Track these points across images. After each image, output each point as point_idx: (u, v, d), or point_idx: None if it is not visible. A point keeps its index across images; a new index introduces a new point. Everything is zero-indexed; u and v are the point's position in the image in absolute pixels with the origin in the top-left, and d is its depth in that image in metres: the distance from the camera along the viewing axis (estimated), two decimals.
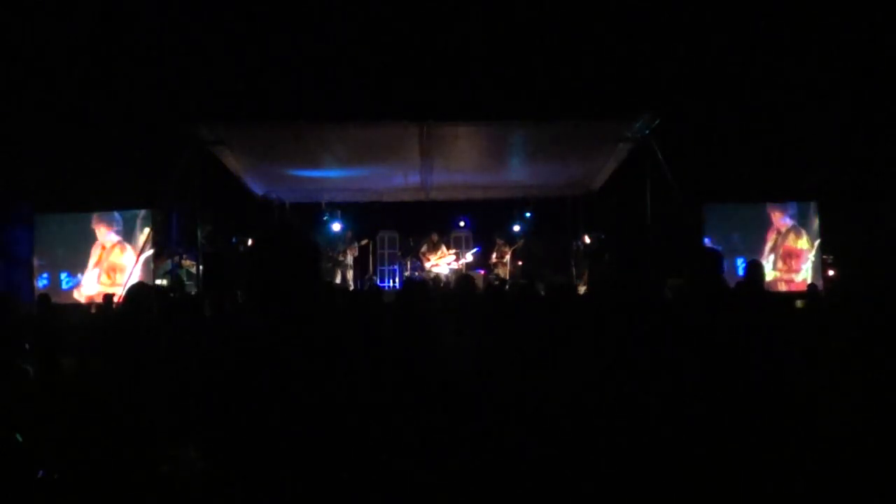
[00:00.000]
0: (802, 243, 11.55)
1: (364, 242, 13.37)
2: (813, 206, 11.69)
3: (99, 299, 10.35)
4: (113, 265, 11.07)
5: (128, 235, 11.15)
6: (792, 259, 11.54)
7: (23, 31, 10.75)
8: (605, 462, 2.82)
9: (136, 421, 3.07)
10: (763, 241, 11.51)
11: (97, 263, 11.13)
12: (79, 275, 11.13)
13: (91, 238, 11.16)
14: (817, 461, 3.03)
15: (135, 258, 10.97)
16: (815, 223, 11.63)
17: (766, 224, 11.63)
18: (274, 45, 11.52)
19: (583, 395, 3.15)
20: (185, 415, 3.67)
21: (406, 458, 1.37)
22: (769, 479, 2.97)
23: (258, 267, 1.49)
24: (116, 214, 11.19)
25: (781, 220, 11.62)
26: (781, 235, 11.58)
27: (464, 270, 13.26)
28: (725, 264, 11.63)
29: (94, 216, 11.16)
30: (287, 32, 11.51)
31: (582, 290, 11.25)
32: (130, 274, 10.64)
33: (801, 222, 11.63)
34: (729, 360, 3.37)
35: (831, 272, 11.89)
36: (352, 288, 12.04)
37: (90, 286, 11.00)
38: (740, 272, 11.03)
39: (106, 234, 11.14)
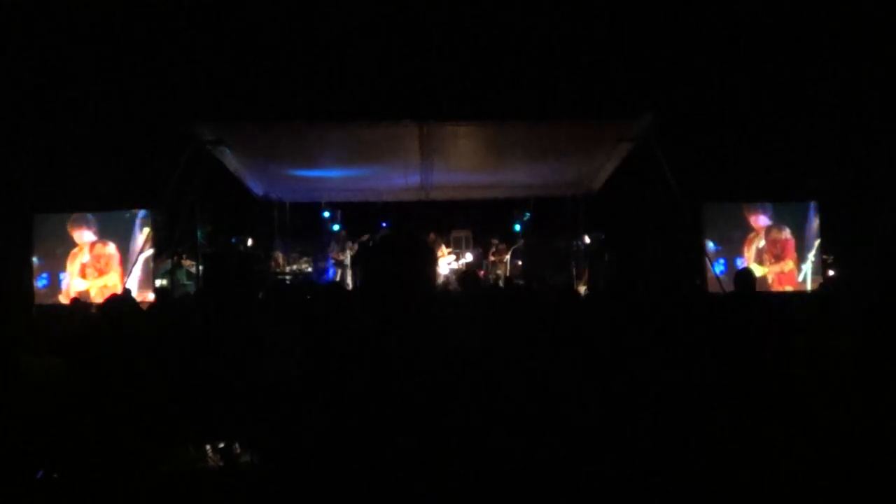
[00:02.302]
0: (786, 234, 11.57)
1: (364, 238, 13.38)
2: (813, 206, 11.69)
3: (90, 296, 10.36)
4: (97, 258, 11.05)
5: (112, 235, 11.11)
6: (778, 248, 11.55)
7: (23, 31, 10.75)
8: (606, 460, 2.82)
9: (136, 421, 3.07)
10: (742, 242, 11.53)
11: (80, 262, 11.09)
12: (68, 274, 11.13)
13: (69, 240, 11.12)
14: (817, 461, 3.03)
15: (117, 252, 10.98)
16: (815, 223, 11.62)
17: (744, 226, 11.63)
18: (274, 45, 11.52)
19: (585, 394, 3.15)
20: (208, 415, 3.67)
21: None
22: (769, 479, 2.97)
23: (374, 267, 1.52)
24: (89, 216, 11.15)
25: (758, 220, 11.63)
26: (759, 236, 11.61)
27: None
28: (725, 264, 11.66)
29: (69, 221, 11.11)
30: (287, 32, 11.51)
31: (582, 290, 11.27)
32: (130, 273, 10.63)
33: (782, 221, 11.63)
34: (729, 360, 3.37)
35: (831, 272, 11.89)
36: (351, 287, 12.03)
37: (77, 282, 10.99)
38: None
39: (82, 235, 11.12)
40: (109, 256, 11.04)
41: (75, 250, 11.09)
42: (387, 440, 1.37)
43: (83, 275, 11.02)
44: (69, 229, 11.10)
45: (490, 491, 1.36)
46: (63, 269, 11.07)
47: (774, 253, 11.51)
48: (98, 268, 11.02)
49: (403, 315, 1.42)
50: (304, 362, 3.65)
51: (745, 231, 11.58)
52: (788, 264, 11.53)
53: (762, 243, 11.52)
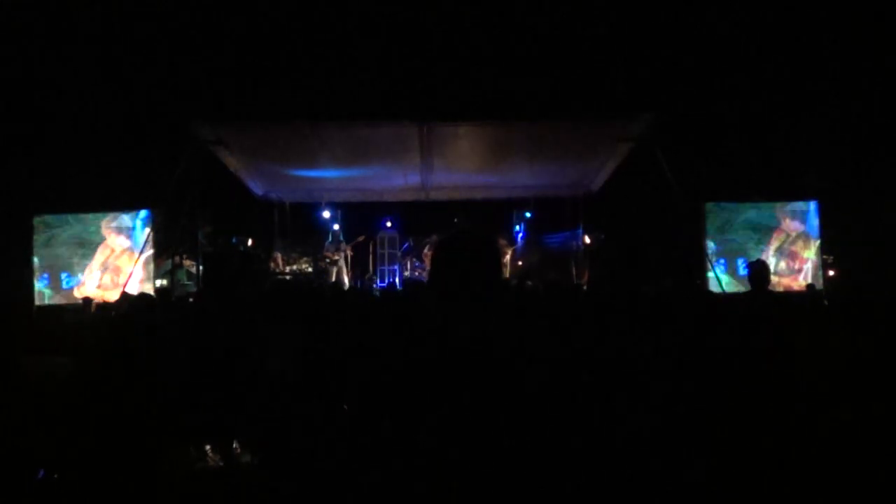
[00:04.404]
0: (809, 252, 11.52)
1: (361, 238, 13.37)
2: (813, 205, 11.69)
3: (96, 300, 10.35)
4: (117, 269, 11.07)
5: (133, 238, 11.15)
6: (795, 263, 11.54)
7: (23, 31, 10.75)
8: (598, 460, 2.82)
9: (137, 421, 3.07)
10: (768, 242, 11.48)
11: (102, 265, 11.12)
12: (79, 274, 11.12)
13: (98, 239, 11.15)
14: (817, 461, 3.03)
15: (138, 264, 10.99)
16: (816, 223, 11.62)
17: (773, 225, 11.59)
18: (274, 44, 11.52)
19: (582, 394, 3.15)
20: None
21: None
22: (768, 478, 2.97)
23: (444, 267, 1.55)
24: (125, 217, 11.17)
25: (791, 223, 11.59)
26: (790, 239, 11.56)
27: None
28: (725, 264, 11.65)
29: (104, 221, 11.14)
30: (287, 32, 11.50)
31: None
32: (130, 274, 10.63)
33: (810, 226, 11.61)
34: (727, 360, 3.37)
35: (831, 272, 11.89)
36: (348, 287, 12.03)
37: (90, 286, 10.99)
38: (741, 272, 11.04)
39: (116, 239, 11.14)
40: (129, 274, 11.03)
41: (106, 252, 11.09)
42: (389, 440, 1.37)
43: (99, 284, 11.02)
44: (104, 231, 11.13)
45: (495, 492, 1.35)
46: (66, 268, 11.07)
47: (791, 266, 11.47)
48: (116, 281, 11.02)
49: (482, 313, 1.45)
50: (304, 362, 3.65)
51: (755, 232, 11.53)
52: (799, 282, 11.45)
53: (784, 254, 11.42)
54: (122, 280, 10.83)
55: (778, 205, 11.65)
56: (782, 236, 11.56)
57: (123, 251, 11.10)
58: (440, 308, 1.53)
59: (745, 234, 11.54)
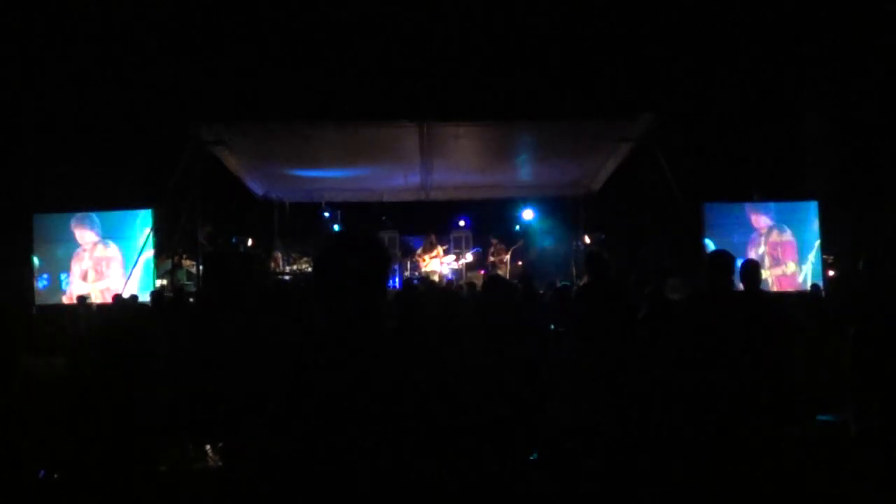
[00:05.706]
0: (787, 236, 11.59)
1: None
2: (813, 205, 11.68)
3: (90, 298, 10.34)
4: (98, 261, 11.05)
5: (115, 234, 11.11)
6: (778, 251, 11.58)
7: (24, 32, 10.76)
8: (606, 460, 2.83)
9: (135, 421, 3.07)
10: (747, 243, 11.57)
11: (82, 262, 11.10)
12: (72, 274, 11.13)
13: (73, 239, 11.14)
14: (817, 459, 3.03)
15: (118, 254, 10.97)
16: (815, 223, 11.61)
17: (747, 225, 11.65)
18: (274, 45, 11.53)
19: (584, 393, 3.16)
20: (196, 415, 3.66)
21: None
22: (769, 476, 2.97)
23: (328, 269, 1.50)
24: (93, 215, 11.13)
25: (761, 220, 11.66)
26: (763, 235, 11.64)
27: (464, 270, 13.29)
28: None
29: (72, 220, 11.10)
30: (287, 33, 11.52)
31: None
32: (130, 274, 10.62)
33: (781, 221, 11.65)
34: (727, 359, 3.37)
35: (831, 272, 11.87)
36: None
37: (78, 285, 10.99)
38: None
39: (83, 235, 11.12)
40: (110, 259, 11.00)
41: (79, 250, 11.08)
42: (380, 443, 1.36)
43: (84, 277, 11.02)
44: (73, 228, 11.12)
45: (481, 493, 1.35)
46: (65, 269, 11.07)
47: (774, 255, 11.52)
48: (99, 270, 11.00)
49: (357, 320, 1.40)
50: (302, 361, 3.65)
51: (748, 232, 11.57)
52: (790, 266, 11.50)
53: (763, 247, 11.53)
54: (106, 273, 10.84)
55: (747, 205, 11.71)
56: (756, 235, 11.66)
57: (94, 245, 11.08)
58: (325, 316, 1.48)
59: (740, 237, 11.58)
